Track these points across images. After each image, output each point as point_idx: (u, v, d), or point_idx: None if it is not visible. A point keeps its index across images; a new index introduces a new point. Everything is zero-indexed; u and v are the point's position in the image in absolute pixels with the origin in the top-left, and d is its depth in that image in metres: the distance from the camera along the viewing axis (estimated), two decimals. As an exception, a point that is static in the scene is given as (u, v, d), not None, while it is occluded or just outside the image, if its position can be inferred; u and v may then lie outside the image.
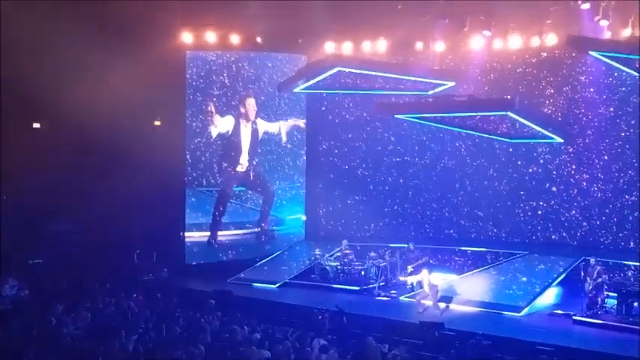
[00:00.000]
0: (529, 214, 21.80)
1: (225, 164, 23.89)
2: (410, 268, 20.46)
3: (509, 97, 20.88)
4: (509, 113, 20.51)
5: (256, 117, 23.84)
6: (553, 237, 21.39)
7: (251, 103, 23.68)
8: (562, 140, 20.96)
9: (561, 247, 21.02)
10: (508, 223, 22.12)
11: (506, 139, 21.69)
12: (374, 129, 23.86)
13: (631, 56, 18.96)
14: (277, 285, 21.84)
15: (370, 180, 24.07)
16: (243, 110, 23.64)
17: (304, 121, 24.59)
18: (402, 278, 20.84)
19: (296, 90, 23.36)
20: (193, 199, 23.73)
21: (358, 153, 24.20)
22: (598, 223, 20.72)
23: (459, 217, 22.90)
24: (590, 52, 19.70)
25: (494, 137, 21.86)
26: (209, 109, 23.18)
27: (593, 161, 20.75)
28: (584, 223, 20.93)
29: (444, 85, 21.79)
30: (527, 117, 20.58)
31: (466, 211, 22.76)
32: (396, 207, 23.81)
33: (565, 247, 21.00)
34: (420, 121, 22.44)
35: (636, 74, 19.46)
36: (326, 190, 24.37)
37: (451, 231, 23.02)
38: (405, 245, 21.42)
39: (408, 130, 23.32)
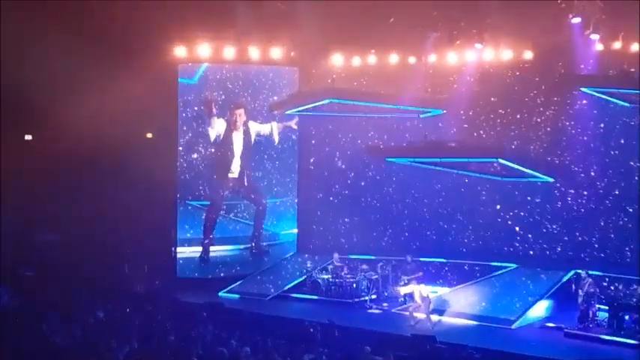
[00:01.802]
0: (509, 222, 21.52)
1: (218, 170, 23.66)
2: (405, 279, 20.54)
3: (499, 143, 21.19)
4: (500, 160, 20.48)
5: (246, 122, 23.67)
6: (531, 252, 21.17)
7: (240, 114, 23.51)
8: (552, 180, 20.81)
9: (542, 259, 20.88)
10: (488, 231, 21.89)
11: (498, 178, 21.44)
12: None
13: (622, 90, 19.21)
14: (269, 297, 21.82)
15: (351, 175, 23.63)
16: (232, 119, 23.48)
17: (296, 120, 24.06)
18: (396, 288, 20.82)
19: (288, 112, 23.35)
20: (186, 214, 23.60)
21: (341, 150, 23.80)
22: (580, 239, 20.53)
23: (438, 219, 22.58)
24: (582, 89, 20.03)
25: (487, 177, 21.59)
26: (211, 110, 23.03)
27: (579, 175, 20.50)
28: (565, 238, 20.75)
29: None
30: (517, 161, 20.46)
31: (445, 212, 22.46)
32: (374, 201, 23.39)
33: (545, 259, 20.86)
34: (412, 163, 22.16)
35: (627, 104, 19.51)
36: (318, 200, 23.99)
37: (428, 232, 22.73)
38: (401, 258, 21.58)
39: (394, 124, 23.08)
